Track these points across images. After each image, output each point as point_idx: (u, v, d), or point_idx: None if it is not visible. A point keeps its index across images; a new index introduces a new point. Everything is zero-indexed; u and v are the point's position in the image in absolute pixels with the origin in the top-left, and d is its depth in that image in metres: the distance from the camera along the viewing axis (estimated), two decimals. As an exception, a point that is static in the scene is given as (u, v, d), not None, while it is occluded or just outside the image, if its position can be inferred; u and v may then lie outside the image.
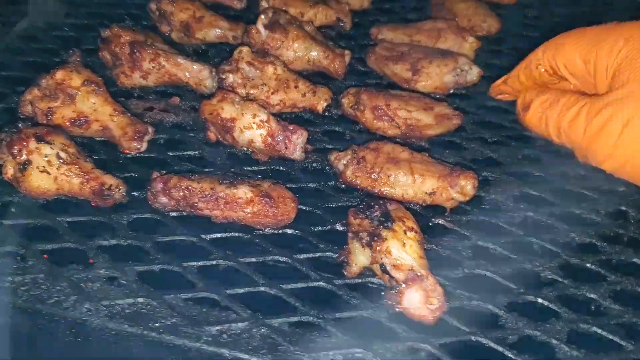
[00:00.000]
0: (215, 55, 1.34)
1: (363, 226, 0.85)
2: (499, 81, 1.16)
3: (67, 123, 1.03)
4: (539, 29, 1.54)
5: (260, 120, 1.05)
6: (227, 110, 1.06)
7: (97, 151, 1.05)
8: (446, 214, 0.98)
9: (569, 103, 0.89)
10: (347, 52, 1.30)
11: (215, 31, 1.33)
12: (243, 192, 0.90)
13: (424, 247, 0.84)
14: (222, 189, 0.90)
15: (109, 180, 0.93)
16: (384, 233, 0.82)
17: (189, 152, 1.08)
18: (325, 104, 1.18)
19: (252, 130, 1.05)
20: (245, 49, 1.19)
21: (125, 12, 1.46)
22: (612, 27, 0.87)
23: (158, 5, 1.33)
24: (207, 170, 1.03)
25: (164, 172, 0.95)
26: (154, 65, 1.17)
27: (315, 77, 1.29)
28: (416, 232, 0.83)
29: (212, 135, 1.09)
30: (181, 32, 1.32)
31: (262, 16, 1.27)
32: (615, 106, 0.79)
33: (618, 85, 0.80)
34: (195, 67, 1.19)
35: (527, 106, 1.01)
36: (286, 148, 1.06)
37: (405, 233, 0.82)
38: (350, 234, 0.87)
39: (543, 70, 0.96)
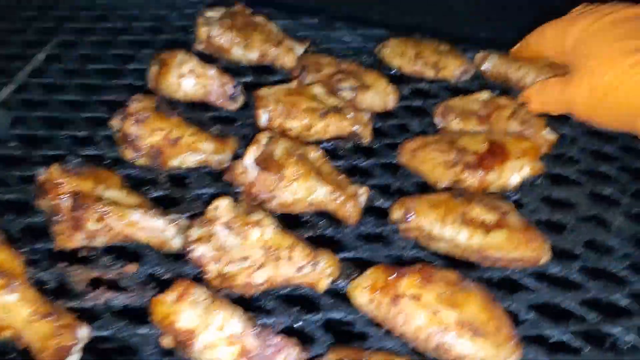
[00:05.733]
0: (196, 183, 1.04)
1: None
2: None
3: (-35, 332, 0.76)
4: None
5: (232, 334, 0.76)
6: (186, 317, 0.76)
7: (11, 363, 0.78)
8: None
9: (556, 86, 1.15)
10: (361, 191, 0.98)
11: (195, 157, 1.03)
12: None
13: None
14: None
15: None
16: None
17: (135, 366, 0.79)
18: (328, 281, 0.88)
19: (220, 347, 0.76)
20: (224, 203, 0.88)
21: (90, 115, 1.16)
22: (570, 20, 1.16)
23: (121, 126, 1.02)
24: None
25: None
26: (100, 226, 0.88)
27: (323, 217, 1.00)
28: None
29: (167, 342, 0.79)
30: (151, 160, 1.02)
31: (254, 148, 0.97)
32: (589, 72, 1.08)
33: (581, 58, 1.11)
34: (157, 224, 0.90)
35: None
36: (267, 372, 0.76)
37: None
38: None
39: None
